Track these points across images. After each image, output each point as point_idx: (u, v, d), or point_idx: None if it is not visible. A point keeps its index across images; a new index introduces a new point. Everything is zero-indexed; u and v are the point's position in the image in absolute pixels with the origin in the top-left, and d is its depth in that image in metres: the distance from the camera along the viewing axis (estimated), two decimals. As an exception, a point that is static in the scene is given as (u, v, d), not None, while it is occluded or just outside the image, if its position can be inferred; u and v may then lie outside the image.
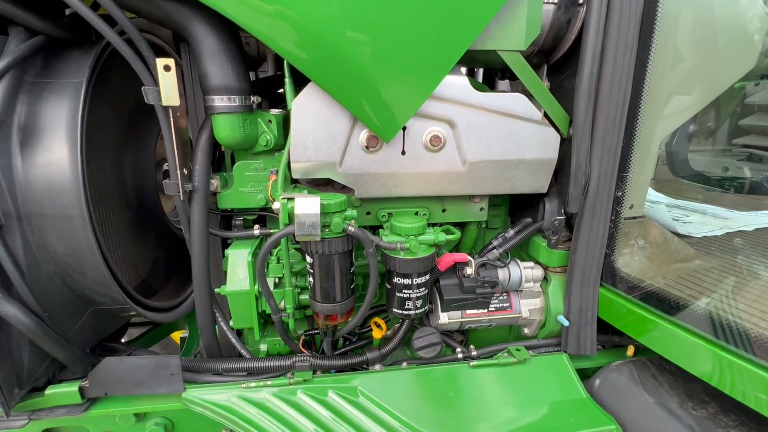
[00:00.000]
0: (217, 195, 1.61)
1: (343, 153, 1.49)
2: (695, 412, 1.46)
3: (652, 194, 2.41)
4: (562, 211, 1.70)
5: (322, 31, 1.25)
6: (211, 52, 1.33)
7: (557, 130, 1.59)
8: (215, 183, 1.55)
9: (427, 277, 1.55)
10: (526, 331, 1.92)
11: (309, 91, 1.41)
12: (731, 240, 1.99)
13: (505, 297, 1.80)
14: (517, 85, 1.77)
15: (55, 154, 1.28)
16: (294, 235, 1.34)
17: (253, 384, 1.52)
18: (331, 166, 1.50)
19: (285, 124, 1.60)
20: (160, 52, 1.68)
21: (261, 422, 1.42)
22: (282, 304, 1.60)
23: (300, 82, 1.44)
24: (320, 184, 1.66)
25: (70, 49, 1.42)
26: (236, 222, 1.74)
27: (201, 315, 1.58)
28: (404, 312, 1.58)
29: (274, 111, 1.57)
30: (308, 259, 1.47)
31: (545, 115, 1.57)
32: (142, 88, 1.32)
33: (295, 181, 1.62)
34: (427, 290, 1.58)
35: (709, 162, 2.83)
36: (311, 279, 1.49)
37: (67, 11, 1.48)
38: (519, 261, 1.80)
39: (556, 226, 1.71)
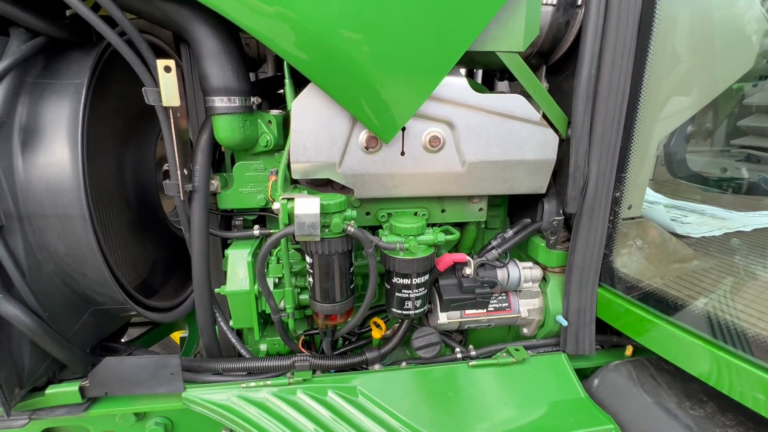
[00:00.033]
0: (217, 195, 1.61)
1: (343, 153, 1.49)
2: (693, 412, 1.46)
3: (651, 195, 2.42)
4: (561, 211, 1.71)
5: (322, 32, 1.26)
6: (211, 53, 1.34)
7: (556, 131, 1.60)
8: (215, 183, 1.56)
9: (427, 277, 1.56)
10: (525, 331, 1.92)
11: (309, 92, 1.42)
12: (729, 240, 2.00)
13: (504, 297, 1.81)
14: (516, 86, 1.78)
15: (56, 154, 1.29)
16: (294, 236, 1.35)
17: (252, 384, 1.52)
18: (330, 167, 1.50)
19: (285, 124, 1.61)
20: (161, 53, 1.68)
21: (261, 422, 1.43)
22: (282, 304, 1.60)
23: (300, 83, 1.44)
24: (320, 185, 1.67)
25: (70, 50, 1.43)
26: (236, 222, 1.75)
27: (201, 315, 1.58)
28: (403, 312, 1.58)
29: (274, 112, 1.58)
30: (308, 259, 1.48)
31: (544, 116, 1.58)
32: (143, 89, 1.32)
33: (294, 182, 1.63)
34: (426, 290, 1.58)
35: (708, 163, 2.83)
36: (311, 279, 1.49)
37: (68, 12, 1.48)
38: (518, 261, 1.81)
39: (554, 226, 1.72)
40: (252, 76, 1.87)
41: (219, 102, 1.38)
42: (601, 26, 1.41)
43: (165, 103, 1.31)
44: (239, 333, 1.82)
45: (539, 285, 1.84)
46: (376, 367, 1.66)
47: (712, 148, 2.84)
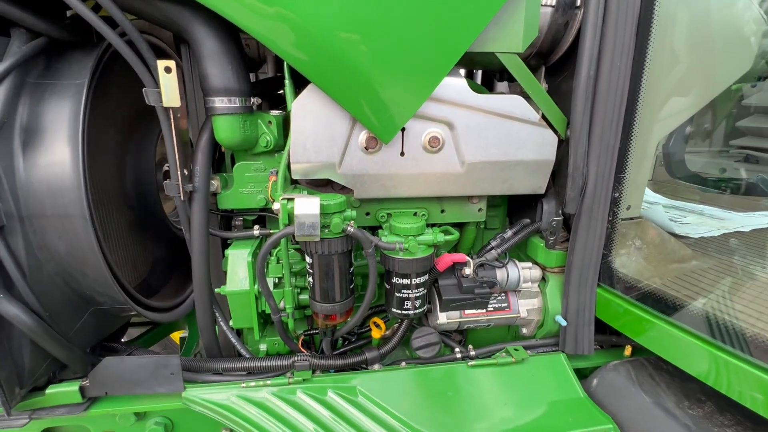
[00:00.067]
0: (217, 195, 1.62)
1: (343, 154, 1.50)
2: (692, 412, 1.47)
3: (650, 195, 2.42)
4: (560, 211, 1.71)
5: (322, 32, 1.26)
6: (211, 53, 1.34)
7: (555, 131, 1.60)
8: (215, 183, 1.56)
9: (426, 277, 1.56)
10: (524, 331, 1.93)
11: (309, 93, 1.42)
12: (728, 241, 2.00)
13: (504, 297, 1.81)
14: (515, 87, 1.79)
15: (57, 154, 1.29)
16: (294, 236, 1.35)
17: (252, 383, 1.52)
18: (330, 167, 1.51)
19: (285, 125, 1.61)
20: (161, 54, 1.69)
21: (261, 421, 1.43)
22: (281, 304, 1.60)
23: (300, 83, 1.45)
24: (320, 185, 1.67)
25: (71, 50, 1.43)
26: (236, 222, 1.75)
27: (201, 315, 1.58)
28: (403, 312, 1.59)
29: (274, 112, 1.58)
30: (308, 259, 1.48)
31: (543, 116, 1.59)
32: (143, 90, 1.32)
33: (294, 182, 1.63)
34: (425, 290, 1.59)
35: (706, 163, 2.84)
36: (311, 279, 1.50)
37: (69, 13, 1.49)
38: (517, 261, 1.81)
39: (553, 226, 1.72)
40: (252, 77, 1.88)
41: (219, 102, 1.39)
42: (599, 27, 1.42)
43: (165, 104, 1.31)
44: (239, 333, 1.83)
45: (538, 285, 1.85)
46: (376, 366, 1.66)
47: (711, 148, 2.85)
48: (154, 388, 1.52)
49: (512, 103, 1.55)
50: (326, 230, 1.39)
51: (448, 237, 1.60)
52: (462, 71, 1.63)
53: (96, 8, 1.30)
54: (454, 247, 1.92)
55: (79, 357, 1.47)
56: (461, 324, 1.77)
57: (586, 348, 1.74)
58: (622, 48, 1.43)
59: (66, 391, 1.49)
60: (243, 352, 1.70)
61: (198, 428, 1.67)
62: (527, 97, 1.56)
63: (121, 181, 1.64)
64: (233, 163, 1.63)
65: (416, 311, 1.59)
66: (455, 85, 1.49)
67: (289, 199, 1.37)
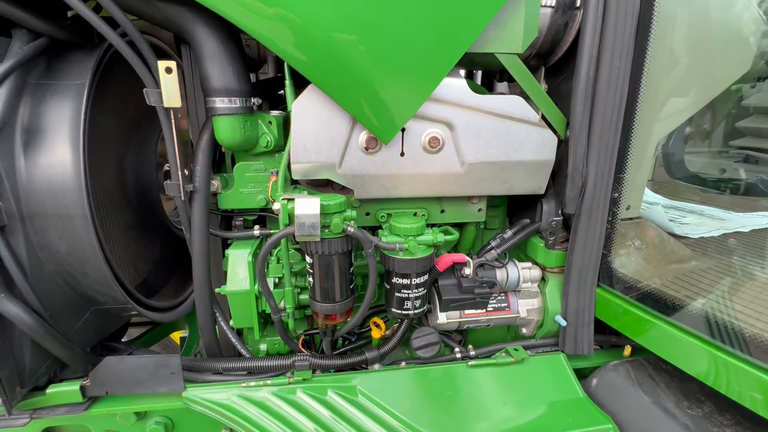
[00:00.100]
0: (217, 195, 1.62)
1: (343, 154, 1.50)
2: (691, 412, 1.47)
3: (649, 195, 2.42)
4: (560, 212, 1.72)
5: (322, 33, 1.27)
6: (212, 54, 1.35)
7: (554, 131, 1.61)
8: (216, 184, 1.56)
9: (426, 277, 1.57)
10: (524, 331, 1.93)
11: (309, 93, 1.42)
12: (727, 241, 2.00)
13: (503, 297, 1.82)
14: (515, 87, 1.79)
15: (58, 155, 1.29)
16: (294, 236, 1.35)
17: (252, 383, 1.53)
18: (330, 167, 1.51)
19: (285, 125, 1.62)
20: (162, 54, 1.69)
21: (261, 421, 1.43)
22: (282, 304, 1.61)
23: (300, 83, 1.45)
24: (320, 185, 1.68)
25: (72, 51, 1.44)
26: (236, 222, 1.76)
27: (201, 315, 1.59)
28: (403, 312, 1.59)
29: (275, 112, 1.58)
30: (308, 259, 1.48)
31: (543, 117, 1.59)
32: (144, 90, 1.33)
33: (295, 182, 1.63)
34: (425, 290, 1.59)
35: (706, 163, 2.84)
36: (311, 279, 1.50)
37: (70, 13, 1.49)
38: (517, 261, 1.81)
39: (553, 226, 1.73)
40: (252, 77, 1.88)
41: (220, 103, 1.39)
42: (599, 28, 1.42)
43: (166, 104, 1.32)
44: (239, 333, 1.83)
45: (538, 285, 1.85)
46: (376, 366, 1.67)
47: (711, 149, 2.85)
48: (155, 388, 1.52)
49: (512, 103, 1.55)
50: (326, 230, 1.39)
51: (448, 237, 1.60)
52: (462, 72, 1.63)
53: (97, 9, 1.30)
54: (454, 247, 1.93)
55: (79, 356, 1.47)
56: (461, 324, 1.77)
57: (586, 348, 1.74)
58: (622, 48, 1.44)
59: (67, 390, 1.49)
60: (243, 351, 1.71)
61: (198, 428, 1.68)
62: (527, 98, 1.56)
63: (122, 182, 1.64)
64: (233, 163, 1.63)
65: (416, 311, 1.59)
66: (455, 85, 1.50)
67: (289, 200, 1.37)
